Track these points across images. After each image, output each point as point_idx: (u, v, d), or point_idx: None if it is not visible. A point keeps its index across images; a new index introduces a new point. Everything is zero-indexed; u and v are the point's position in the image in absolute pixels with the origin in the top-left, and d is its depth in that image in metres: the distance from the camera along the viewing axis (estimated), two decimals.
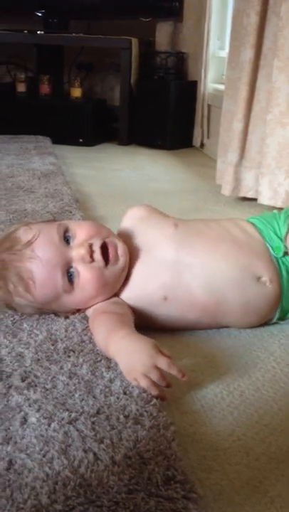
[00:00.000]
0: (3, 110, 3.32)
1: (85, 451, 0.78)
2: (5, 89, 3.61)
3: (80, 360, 1.00)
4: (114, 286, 1.14)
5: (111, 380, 0.94)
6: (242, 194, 2.15)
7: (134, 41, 3.21)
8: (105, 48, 3.45)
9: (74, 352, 1.03)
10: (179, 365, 0.93)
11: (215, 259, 1.14)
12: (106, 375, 0.96)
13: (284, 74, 1.88)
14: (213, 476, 0.79)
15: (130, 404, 0.88)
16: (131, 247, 1.16)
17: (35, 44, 3.47)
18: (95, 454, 0.77)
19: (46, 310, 1.14)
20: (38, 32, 3.34)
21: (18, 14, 3.55)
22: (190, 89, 3.21)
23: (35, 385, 0.93)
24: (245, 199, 2.18)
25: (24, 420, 0.84)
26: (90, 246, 1.09)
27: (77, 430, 0.82)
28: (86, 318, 1.14)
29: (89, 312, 1.15)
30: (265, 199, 2.00)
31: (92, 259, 1.09)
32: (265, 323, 1.21)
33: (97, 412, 0.86)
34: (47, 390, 0.92)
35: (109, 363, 0.99)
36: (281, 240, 1.19)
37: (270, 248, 1.18)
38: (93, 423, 0.84)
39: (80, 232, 1.12)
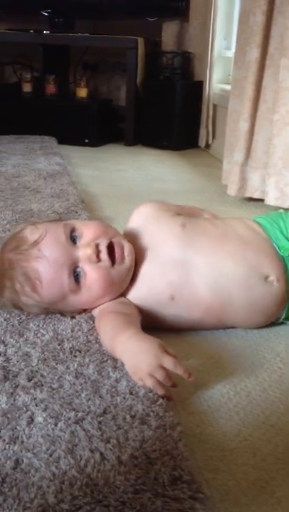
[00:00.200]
0: (9, 110, 3.33)
1: (91, 450, 0.78)
2: (11, 89, 3.62)
3: (87, 359, 1.00)
4: (121, 286, 1.14)
5: (117, 380, 0.94)
6: (248, 194, 2.14)
7: (140, 41, 3.20)
8: (111, 48, 3.45)
9: (80, 352, 1.03)
10: (186, 366, 0.93)
11: (222, 258, 1.14)
12: (112, 375, 0.96)
13: None
14: (220, 477, 0.79)
15: (136, 404, 0.88)
16: (138, 247, 1.16)
17: (41, 44, 3.48)
18: (101, 453, 0.77)
19: (53, 310, 1.14)
20: (44, 32, 3.34)
21: (24, 14, 3.55)
22: (196, 89, 3.20)
23: (42, 385, 0.93)
24: (251, 199, 2.18)
25: (31, 420, 0.84)
26: (97, 246, 1.09)
27: (84, 430, 0.82)
28: (92, 318, 1.14)
29: (95, 312, 1.15)
30: (271, 199, 2.00)
31: (99, 259, 1.09)
32: (272, 323, 1.21)
33: (104, 412, 0.86)
34: (53, 389, 0.92)
35: (116, 363, 0.99)
36: (287, 239, 1.18)
37: (276, 247, 1.18)
38: (100, 423, 0.84)
39: (87, 231, 1.12)
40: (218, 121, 3.12)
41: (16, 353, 1.02)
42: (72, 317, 1.15)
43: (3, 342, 1.05)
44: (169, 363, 0.92)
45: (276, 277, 1.14)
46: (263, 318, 1.18)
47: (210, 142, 3.20)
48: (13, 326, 1.11)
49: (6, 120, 3.30)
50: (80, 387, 0.92)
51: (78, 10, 3.42)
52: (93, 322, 1.12)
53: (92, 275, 1.09)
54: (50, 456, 0.77)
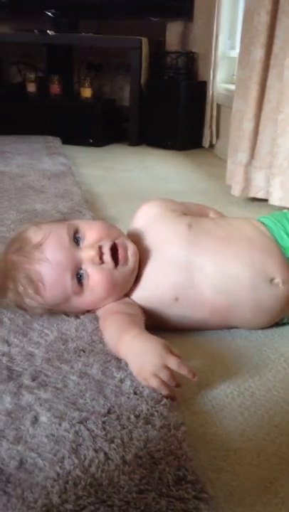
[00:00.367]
0: (13, 110, 3.33)
1: (95, 450, 0.78)
2: (15, 89, 3.63)
3: (91, 359, 1.00)
4: (124, 287, 1.14)
5: (121, 380, 0.94)
6: (252, 194, 2.14)
7: (145, 41, 3.20)
8: (115, 48, 3.45)
9: (84, 352, 1.03)
10: (190, 366, 0.93)
11: (227, 260, 1.13)
12: (116, 374, 0.96)
13: None
14: (224, 477, 0.79)
15: (141, 404, 0.88)
16: (142, 247, 1.16)
17: (45, 44, 3.47)
18: (105, 453, 0.77)
19: (56, 311, 1.14)
20: (48, 32, 3.34)
21: (28, 14, 3.55)
22: (200, 89, 3.20)
23: (46, 385, 0.93)
24: (255, 199, 2.18)
25: (35, 419, 0.84)
26: (100, 247, 1.09)
27: (88, 430, 0.82)
28: (96, 318, 1.14)
29: (99, 312, 1.15)
30: (276, 200, 2.00)
31: (102, 261, 1.09)
32: (276, 323, 1.20)
33: (108, 412, 0.86)
34: (58, 389, 0.92)
35: (120, 363, 0.99)
36: None
37: (282, 248, 1.18)
38: (104, 423, 0.84)
39: (90, 233, 1.11)
40: (222, 121, 3.12)
41: (19, 352, 1.02)
42: (77, 317, 1.15)
43: (7, 342, 1.05)
44: (173, 363, 0.92)
45: (281, 279, 1.14)
46: (268, 319, 1.18)
47: (214, 142, 3.20)
48: (17, 325, 1.11)
49: (11, 120, 3.31)
50: (84, 387, 0.92)
51: (82, 10, 3.42)
52: (97, 322, 1.12)
53: (96, 277, 1.09)
54: (55, 455, 0.77)
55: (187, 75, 3.27)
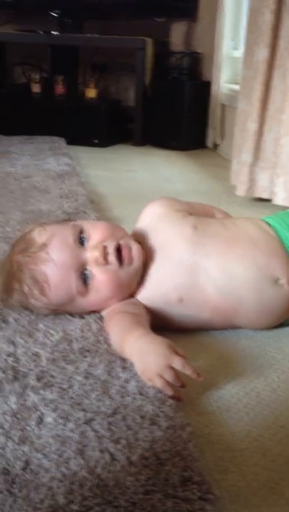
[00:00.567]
0: (18, 111, 3.34)
1: (101, 451, 0.78)
2: (20, 90, 3.63)
3: (96, 360, 1.01)
4: (129, 287, 1.14)
5: (127, 381, 0.94)
6: (257, 195, 2.14)
7: (149, 41, 3.21)
8: (120, 49, 3.45)
9: (90, 352, 1.03)
10: (195, 366, 0.93)
11: (232, 261, 1.13)
12: (122, 375, 0.96)
13: None
14: (230, 478, 0.79)
15: (146, 405, 0.88)
16: (147, 248, 1.16)
17: (50, 45, 3.48)
18: (111, 454, 0.77)
19: (61, 311, 1.14)
20: (53, 32, 3.35)
21: (33, 15, 3.56)
22: (205, 89, 3.20)
23: (52, 385, 0.93)
24: (259, 200, 2.17)
25: (40, 420, 0.84)
26: (105, 248, 1.09)
27: (94, 430, 0.82)
28: (101, 318, 1.14)
29: (104, 312, 1.15)
30: (280, 200, 1.99)
31: (107, 262, 1.09)
32: (281, 323, 1.20)
33: (114, 413, 0.86)
34: (63, 390, 0.92)
35: (125, 364, 0.99)
36: None
37: (286, 249, 1.18)
38: (109, 423, 0.84)
39: (95, 233, 1.12)
40: (226, 121, 3.12)
41: (25, 353, 1.02)
42: (82, 317, 1.15)
43: (13, 342, 1.05)
44: (178, 363, 0.92)
45: (286, 280, 1.13)
46: (273, 319, 1.18)
47: (218, 142, 3.20)
48: (22, 326, 1.11)
49: (16, 121, 3.31)
50: (89, 387, 0.93)
51: (87, 11, 3.42)
52: (102, 322, 1.12)
53: (100, 277, 1.09)
54: (60, 456, 0.77)
55: (191, 76, 3.27)
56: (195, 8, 3.33)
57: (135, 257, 1.11)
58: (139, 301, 1.15)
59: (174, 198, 1.29)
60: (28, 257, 1.09)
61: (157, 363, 0.93)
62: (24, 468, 0.75)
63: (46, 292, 1.09)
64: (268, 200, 2.10)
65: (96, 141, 3.29)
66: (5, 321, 1.13)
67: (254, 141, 2.08)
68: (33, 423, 0.83)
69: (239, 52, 3.01)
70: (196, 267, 1.13)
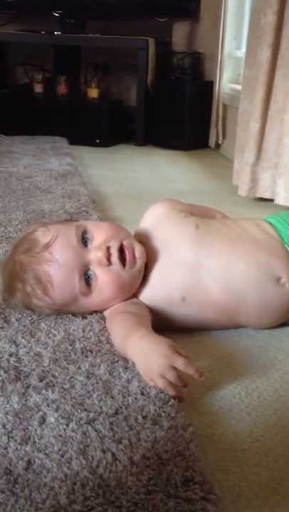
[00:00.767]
0: (20, 111, 3.34)
1: (103, 451, 0.78)
2: (22, 90, 3.64)
3: (98, 360, 1.01)
4: (132, 288, 1.14)
5: (128, 381, 0.94)
6: (259, 195, 2.14)
7: (151, 41, 3.20)
8: (122, 49, 3.45)
9: (92, 352, 1.03)
10: (197, 366, 0.93)
11: (234, 260, 1.13)
12: (124, 375, 0.96)
13: None
14: (232, 478, 0.79)
15: (148, 405, 0.88)
16: (150, 248, 1.16)
17: (52, 45, 3.48)
18: (113, 454, 0.77)
19: (63, 311, 1.14)
20: (55, 33, 3.35)
21: (35, 15, 3.56)
22: (207, 89, 3.20)
23: (54, 385, 0.93)
24: (261, 199, 2.17)
25: (42, 420, 0.84)
26: (108, 249, 1.09)
27: (96, 430, 0.82)
28: (103, 318, 1.14)
29: (106, 312, 1.15)
30: (281, 199, 1.99)
31: (110, 263, 1.09)
32: (283, 323, 1.20)
33: (115, 413, 0.86)
34: (65, 389, 0.92)
35: (127, 364, 0.99)
36: None
37: (288, 248, 1.18)
38: (111, 423, 0.84)
39: (98, 234, 1.12)
40: (228, 121, 3.12)
41: (27, 353, 1.02)
42: (84, 317, 1.15)
43: (15, 342, 1.06)
44: (180, 363, 0.92)
45: (288, 279, 1.14)
46: (275, 318, 1.18)
47: (220, 142, 3.20)
48: (24, 326, 1.11)
49: (18, 121, 3.32)
50: (91, 387, 0.93)
51: (89, 11, 3.42)
52: (104, 322, 1.12)
53: (103, 278, 1.09)
54: (62, 456, 0.77)
55: (193, 75, 3.27)
56: (197, 8, 3.33)
57: (138, 258, 1.11)
58: (141, 301, 1.15)
59: (175, 199, 1.30)
60: (32, 257, 1.09)
61: (159, 363, 0.92)
62: (26, 468, 0.75)
63: (49, 292, 1.09)
64: (270, 200, 2.10)
65: (98, 141, 3.29)
66: (7, 321, 1.13)
67: (256, 141, 2.08)
68: (35, 423, 0.83)
69: (241, 52, 3.02)
70: (198, 266, 1.13)
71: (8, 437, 0.80)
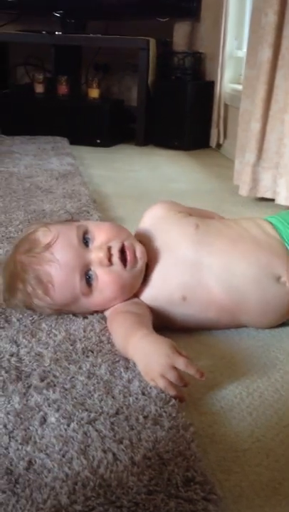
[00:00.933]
0: (21, 111, 3.34)
1: (104, 451, 0.78)
2: (23, 90, 3.64)
3: (99, 360, 1.01)
4: (133, 288, 1.14)
5: (129, 381, 0.94)
6: (260, 195, 2.14)
7: (152, 41, 3.20)
8: (123, 49, 3.45)
9: (93, 352, 1.03)
10: (197, 366, 0.93)
11: (234, 259, 1.13)
12: (124, 375, 0.96)
13: None
14: (233, 478, 0.79)
15: (149, 405, 0.88)
16: (150, 247, 1.16)
17: (53, 45, 3.48)
18: (114, 454, 0.77)
19: (65, 311, 1.14)
20: (56, 33, 3.35)
21: (36, 15, 3.56)
22: (207, 89, 3.20)
23: (55, 385, 0.93)
24: (262, 199, 2.17)
25: (43, 420, 0.84)
26: (109, 249, 1.09)
27: (97, 430, 0.82)
28: (104, 318, 1.14)
29: (107, 312, 1.15)
30: (282, 199, 1.99)
31: (111, 263, 1.09)
32: (284, 323, 1.20)
33: (116, 413, 0.86)
34: (66, 389, 0.92)
35: (128, 364, 0.99)
36: None
37: (288, 248, 1.18)
38: (112, 423, 0.84)
39: (99, 234, 1.12)
40: (229, 121, 3.12)
41: (28, 353, 1.02)
42: (85, 317, 1.15)
43: (16, 342, 1.06)
44: (180, 363, 0.92)
45: (288, 278, 1.14)
46: (275, 317, 1.18)
47: (221, 142, 3.20)
48: (25, 326, 1.11)
49: (19, 121, 3.31)
50: (92, 387, 0.92)
51: (90, 11, 3.42)
52: (105, 322, 1.12)
53: (104, 278, 1.09)
54: (63, 456, 0.77)
55: (194, 75, 3.26)
56: (198, 7, 3.33)
57: (139, 258, 1.11)
58: (142, 301, 1.15)
59: (173, 201, 1.30)
60: (33, 257, 1.09)
61: (160, 363, 0.92)
62: (27, 468, 0.75)
63: (50, 292, 1.09)
64: (270, 200, 2.10)
65: (99, 141, 3.28)
66: (8, 321, 1.13)
67: (257, 141, 2.08)
68: (36, 423, 0.83)
69: (242, 52, 3.02)
70: (199, 266, 1.13)
71: (9, 437, 0.80)
